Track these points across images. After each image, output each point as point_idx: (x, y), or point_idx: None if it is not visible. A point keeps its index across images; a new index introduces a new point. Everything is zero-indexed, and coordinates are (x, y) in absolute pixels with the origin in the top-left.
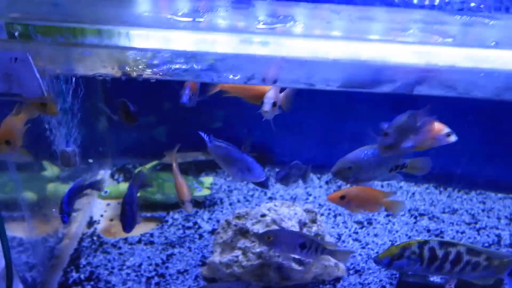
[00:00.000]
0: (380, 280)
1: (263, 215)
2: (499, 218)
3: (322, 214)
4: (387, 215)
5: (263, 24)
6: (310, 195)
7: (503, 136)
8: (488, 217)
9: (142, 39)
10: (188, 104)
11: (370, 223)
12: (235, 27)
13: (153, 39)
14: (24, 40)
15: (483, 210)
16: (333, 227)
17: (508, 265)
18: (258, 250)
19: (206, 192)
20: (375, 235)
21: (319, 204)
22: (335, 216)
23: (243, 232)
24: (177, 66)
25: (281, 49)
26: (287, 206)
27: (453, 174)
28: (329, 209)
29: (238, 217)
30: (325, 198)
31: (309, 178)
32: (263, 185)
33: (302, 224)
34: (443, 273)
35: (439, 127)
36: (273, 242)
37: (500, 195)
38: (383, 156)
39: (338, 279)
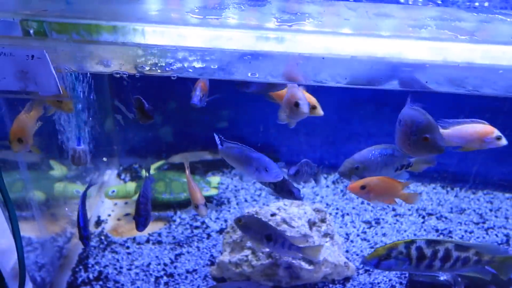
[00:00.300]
0: (390, 280)
1: (273, 215)
2: (507, 218)
3: (330, 214)
4: (395, 215)
5: (279, 21)
6: (317, 195)
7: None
8: (496, 216)
9: (157, 36)
10: (198, 105)
11: (378, 223)
12: (251, 24)
13: (168, 36)
14: (40, 38)
15: (490, 210)
16: (341, 227)
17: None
18: (268, 249)
19: (213, 191)
20: (383, 235)
21: (327, 204)
22: (343, 216)
23: None
24: (197, 64)
25: (298, 46)
26: (296, 206)
27: (460, 173)
28: (337, 209)
29: None
30: (332, 197)
31: (321, 178)
32: (295, 196)
33: (312, 224)
34: (434, 271)
35: (489, 130)
36: (243, 227)
37: (507, 195)
38: (390, 156)
39: (347, 279)
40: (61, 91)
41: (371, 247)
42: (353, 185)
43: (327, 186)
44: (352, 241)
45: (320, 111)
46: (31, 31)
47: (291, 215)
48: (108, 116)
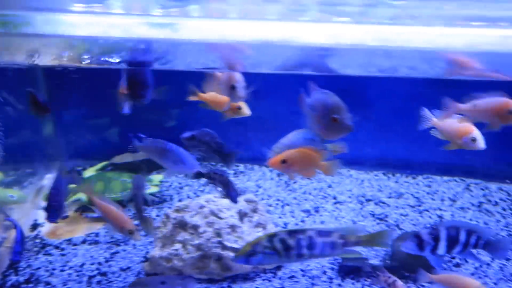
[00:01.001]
0: (322, 266)
1: (202, 207)
2: (442, 200)
3: (270, 205)
4: (335, 203)
5: (164, 7)
6: (261, 187)
7: None
8: (433, 199)
9: (41, 23)
10: (129, 112)
11: (317, 211)
12: (143, 10)
13: (50, 24)
14: None
15: (428, 193)
16: (280, 217)
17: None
18: (197, 242)
19: (154, 189)
20: (322, 223)
21: (268, 196)
22: (283, 206)
23: (182, 225)
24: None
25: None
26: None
27: (402, 159)
28: (278, 200)
29: (178, 210)
30: (275, 189)
31: (233, 164)
32: (232, 199)
33: (243, 214)
34: (306, 258)
35: (468, 130)
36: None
37: (445, 178)
38: (311, 141)
39: (279, 267)
40: None
41: None
42: (273, 160)
43: (272, 179)
44: None
45: (246, 111)
46: None
47: (220, 207)
48: (47, 119)
